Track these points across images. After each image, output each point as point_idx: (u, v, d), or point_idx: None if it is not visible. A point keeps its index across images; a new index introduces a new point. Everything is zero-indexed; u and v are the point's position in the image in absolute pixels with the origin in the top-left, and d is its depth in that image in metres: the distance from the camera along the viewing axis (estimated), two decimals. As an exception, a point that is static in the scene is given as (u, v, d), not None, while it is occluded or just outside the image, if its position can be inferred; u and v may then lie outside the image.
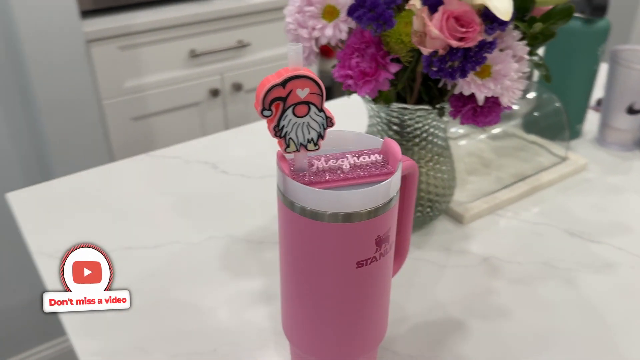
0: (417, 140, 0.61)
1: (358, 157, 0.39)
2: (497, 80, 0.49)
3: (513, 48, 0.50)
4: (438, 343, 0.53)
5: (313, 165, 0.38)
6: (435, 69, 0.47)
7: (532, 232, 0.69)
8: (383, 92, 0.55)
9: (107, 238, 0.66)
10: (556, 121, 0.80)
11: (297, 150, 0.37)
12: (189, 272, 0.61)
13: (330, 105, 0.98)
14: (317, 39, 0.55)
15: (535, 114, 0.82)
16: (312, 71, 0.36)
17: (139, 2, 1.37)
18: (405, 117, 0.59)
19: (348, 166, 0.38)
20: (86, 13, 1.29)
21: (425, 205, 0.64)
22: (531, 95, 0.82)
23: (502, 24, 0.46)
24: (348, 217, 0.36)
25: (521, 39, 0.51)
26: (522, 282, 0.61)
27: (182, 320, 0.55)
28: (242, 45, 1.47)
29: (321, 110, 0.36)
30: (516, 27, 0.50)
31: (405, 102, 0.59)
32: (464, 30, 0.45)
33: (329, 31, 0.54)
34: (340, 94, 0.78)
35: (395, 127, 0.61)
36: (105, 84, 1.33)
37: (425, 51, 0.48)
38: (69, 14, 1.16)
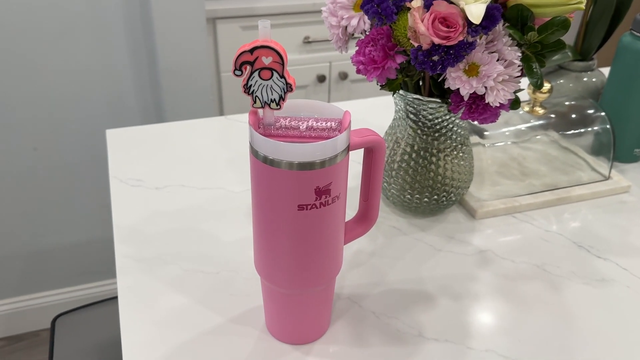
0: (431, 131, 0.67)
1: (317, 122, 0.47)
2: (480, 79, 0.54)
3: (502, 52, 0.54)
4: (402, 308, 0.60)
5: (278, 122, 0.47)
6: (419, 61, 0.53)
7: (540, 238, 0.71)
8: (392, 81, 0.62)
9: (169, 176, 0.80)
10: (605, 140, 0.81)
11: (262, 107, 0.46)
12: (220, 212, 0.73)
13: (376, 100, 1.03)
14: (345, 28, 0.63)
15: (587, 129, 0.83)
16: (279, 43, 0.44)
17: (265, -12, 1.52)
18: (420, 108, 0.65)
19: (305, 127, 0.47)
20: (216, -7, 1.46)
21: (434, 192, 0.70)
22: (588, 111, 0.83)
23: (484, 27, 0.51)
24: (290, 165, 0.44)
25: (519, 46, 0.55)
26: (507, 278, 0.65)
27: (201, 244, 0.67)
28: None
29: (282, 76, 0.45)
30: (510, 35, 0.55)
31: (421, 93, 0.65)
32: (447, 30, 0.51)
33: (354, 21, 0.62)
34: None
35: (412, 117, 0.67)
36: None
37: (415, 45, 0.54)
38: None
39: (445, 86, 0.56)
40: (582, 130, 0.84)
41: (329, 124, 0.47)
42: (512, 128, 0.81)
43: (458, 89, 0.56)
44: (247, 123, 0.99)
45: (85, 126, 1.39)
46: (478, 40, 0.54)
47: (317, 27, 1.53)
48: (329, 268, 0.51)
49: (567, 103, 0.85)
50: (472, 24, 0.51)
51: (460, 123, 0.67)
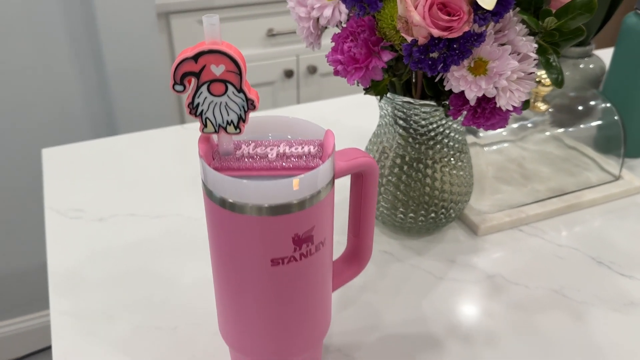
0: (424, 138, 0.56)
1: (290, 147, 0.36)
2: (490, 79, 0.43)
3: (515, 44, 0.43)
4: (405, 358, 0.49)
5: (239, 149, 0.36)
6: (414, 59, 0.42)
7: (553, 255, 0.61)
8: (377, 83, 0.51)
9: (116, 203, 0.67)
10: (613, 135, 0.71)
11: (216, 131, 0.35)
12: (178, 247, 0.61)
13: (357, 97, 0.94)
14: (316, 20, 0.52)
15: (592, 124, 0.74)
16: (233, 46, 0.33)
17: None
18: (411, 112, 0.55)
19: (275, 155, 0.35)
20: (169, -15, 1.33)
21: (431, 210, 0.59)
22: (591, 103, 0.74)
23: (495, 14, 0.40)
24: (258, 210, 0.33)
25: (532, 35, 0.45)
26: (522, 308, 0.54)
27: (155, 291, 0.55)
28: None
29: (240, 90, 0.33)
30: (524, 21, 0.44)
31: (412, 95, 0.54)
32: (448, 18, 0.40)
33: (327, 12, 0.50)
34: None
35: (401, 122, 0.56)
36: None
37: (407, 39, 0.43)
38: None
39: (446, 88, 0.46)
40: (587, 125, 0.75)
41: (306, 148, 0.36)
42: (508, 125, 0.71)
43: (461, 91, 0.45)
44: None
45: (21, 142, 1.24)
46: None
47: (281, 18, 1.41)
48: (314, 331, 0.40)
49: (568, 95, 0.76)
50: (480, 9, 0.41)
51: (458, 127, 0.57)
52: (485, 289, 0.57)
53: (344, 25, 0.50)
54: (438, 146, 0.57)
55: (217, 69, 0.32)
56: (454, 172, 0.58)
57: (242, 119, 0.34)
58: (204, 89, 0.33)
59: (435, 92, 0.52)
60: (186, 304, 0.53)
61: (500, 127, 0.49)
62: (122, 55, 1.21)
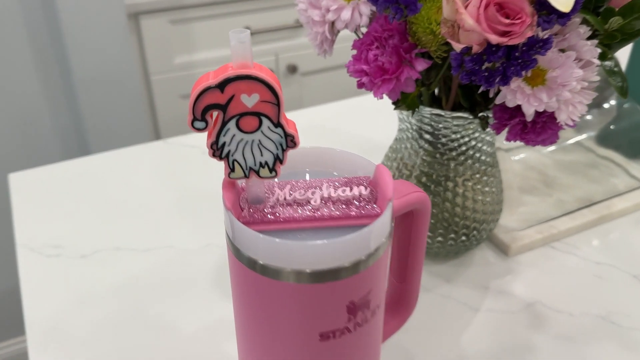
0: (454, 154, 0.50)
1: (336, 189, 0.29)
2: (552, 90, 0.37)
3: (578, 49, 0.37)
4: (450, 413, 0.43)
5: (273, 194, 0.29)
6: (467, 71, 0.36)
7: (592, 275, 0.56)
8: (406, 95, 0.44)
9: (99, 235, 0.59)
10: (638, 135, 0.66)
11: (245, 176, 0.27)
12: (175, 285, 0.53)
13: (361, 100, 0.87)
14: (331, 23, 0.45)
15: (613, 126, 0.68)
16: (265, 68, 0.26)
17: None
18: (440, 126, 0.48)
19: (319, 200, 0.28)
20: (137, -17, 1.24)
21: (461, 232, 0.53)
22: (610, 103, 0.68)
23: (563, 16, 0.34)
24: (302, 277, 0.26)
25: (591, 37, 0.39)
26: (571, 340, 0.49)
27: (150, 341, 0.47)
28: (299, 25, 1.37)
29: (278, 124, 0.26)
30: (584, 22, 0.38)
31: (440, 106, 0.48)
32: (508, 22, 0.34)
33: (346, 14, 0.43)
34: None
35: (427, 137, 0.50)
36: (154, 59, 1.28)
37: (457, 47, 0.36)
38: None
39: (498, 101, 0.39)
40: (610, 127, 0.69)
41: (356, 189, 0.29)
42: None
43: (503, 102, 0.39)
44: (194, 147, 0.80)
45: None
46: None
47: (258, 15, 1.33)
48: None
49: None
50: (545, 9, 0.34)
51: (490, 139, 0.50)
52: (526, 320, 0.51)
53: (364, 30, 0.43)
54: (469, 161, 0.50)
55: (249, 100, 0.25)
56: (486, 188, 0.52)
57: (279, 160, 0.27)
58: (231, 124, 0.26)
59: (471, 102, 0.46)
60: (188, 357, 0.46)
61: (551, 142, 0.43)
62: (90, 61, 1.11)
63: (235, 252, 0.28)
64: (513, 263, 0.57)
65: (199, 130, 0.26)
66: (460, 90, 0.45)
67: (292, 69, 1.41)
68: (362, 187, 0.29)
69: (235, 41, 0.25)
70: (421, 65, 0.41)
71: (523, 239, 0.58)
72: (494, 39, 0.34)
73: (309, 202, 0.28)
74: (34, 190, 0.67)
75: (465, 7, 0.35)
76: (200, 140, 0.77)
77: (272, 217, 0.28)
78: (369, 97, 0.89)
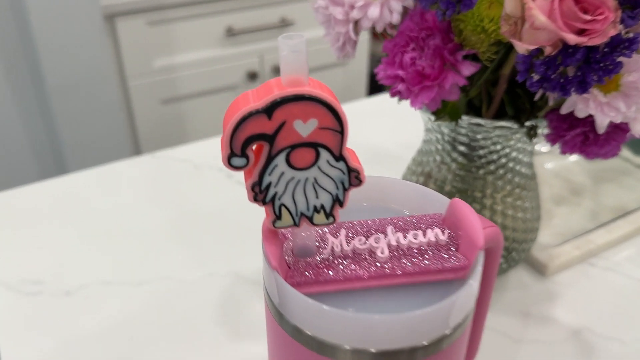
0: (492, 167, 0.44)
1: (405, 233, 0.23)
2: (630, 98, 0.31)
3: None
4: None
5: (326, 245, 0.22)
6: (537, 77, 0.30)
7: (638, 294, 0.50)
8: (448, 103, 0.38)
9: (84, 268, 0.52)
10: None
11: (295, 224, 0.21)
12: (175, 324, 0.47)
13: (364, 104, 0.81)
14: (356, 22, 0.39)
15: None
16: (324, 85, 0.19)
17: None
18: (478, 137, 0.42)
19: (387, 250, 0.22)
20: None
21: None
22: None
23: (653, 8, 0.28)
24: (365, 357, 0.20)
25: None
26: (629, 374, 0.43)
27: (153, 403, 0.40)
28: (285, 24, 1.31)
29: (340, 157, 0.20)
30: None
31: (479, 114, 0.42)
32: (589, 18, 0.28)
33: (374, 11, 0.37)
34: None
35: (462, 149, 0.44)
36: (131, 63, 1.20)
37: (522, 48, 0.30)
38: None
39: (564, 110, 0.33)
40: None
41: (430, 233, 0.23)
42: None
43: (570, 112, 0.33)
44: (186, 161, 0.72)
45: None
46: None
47: (241, 14, 1.26)
48: None
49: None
50: (628, 5, 0.28)
51: (529, 149, 0.45)
52: (575, 350, 0.45)
53: (396, 29, 0.37)
54: (509, 175, 0.45)
55: (305, 127, 0.19)
56: (526, 204, 0.47)
57: (338, 202, 0.21)
58: (280, 159, 0.19)
59: (516, 110, 0.40)
60: (204, 417, 0.39)
61: (613, 155, 0.37)
62: (64, 67, 1.03)
63: (279, 318, 0.22)
64: (551, 284, 0.51)
65: (237, 168, 0.19)
66: (506, 96, 0.39)
67: (279, 71, 1.34)
68: (437, 231, 0.23)
69: (287, 50, 0.18)
70: (469, 68, 0.35)
71: (560, 256, 0.53)
72: (572, 38, 0.28)
73: (374, 253, 0.22)
74: (7, 216, 0.59)
75: (534, 1, 0.29)
76: (192, 153, 0.70)
77: (330, 273, 0.21)
78: (369, 100, 0.83)
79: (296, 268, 0.22)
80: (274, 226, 0.21)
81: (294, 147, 0.19)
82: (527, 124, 0.40)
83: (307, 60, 0.19)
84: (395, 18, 0.37)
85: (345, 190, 0.20)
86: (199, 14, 1.23)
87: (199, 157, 0.68)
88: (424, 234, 0.22)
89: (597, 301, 0.50)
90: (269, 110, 0.18)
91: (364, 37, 1.45)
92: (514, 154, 0.44)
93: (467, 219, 0.22)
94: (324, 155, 0.20)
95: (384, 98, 0.82)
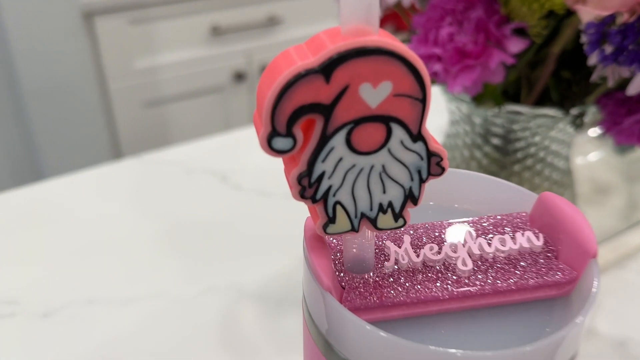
0: (529, 162, 0.39)
1: (489, 238, 0.17)
2: None
3: None
4: None
5: (387, 257, 0.17)
6: (610, 48, 0.25)
7: (685, 300, 0.46)
8: (489, 87, 0.33)
9: (63, 284, 0.46)
10: None
11: (354, 229, 0.15)
12: (169, 349, 0.41)
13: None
14: (380, -4, 0.33)
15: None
16: (397, 39, 0.14)
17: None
18: (515, 127, 0.37)
19: (469, 262, 0.16)
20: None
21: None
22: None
23: None
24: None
25: None
26: (687, 392, 0.38)
27: None
28: (273, 23, 1.25)
29: (418, 137, 0.14)
30: None
31: (514, 100, 0.37)
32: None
33: (401, -18, 0.32)
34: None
35: (495, 141, 0.39)
36: (111, 64, 1.13)
37: (591, 14, 0.25)
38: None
39: (631, 91, 0.28)
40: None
41: (521, 237, 0.17)
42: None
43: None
44: (177, 164, 0.66)
45: None
46: None
47: (227, 12, 1.20)
48: None
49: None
50: None
51: (567, 139, 0.40)
52: (624, 365, 0.40)
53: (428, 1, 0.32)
54: (547, 171, 0.40)
55: (375, 93, 0.13)
56: (563, 204, 0.42)
57: (412, 199, 0.15)
58: (338, 140, 0.14)
59: (561, 96, 0.35)
60: None
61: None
62: (39, 68, 0.97)
63: (325, 349, 0.16)
64: (587, 291, 0.46)
65: (281, 153, 0.14)
66: (553, 79, 0.34)
67: (266, 71, 1.29)
68: (529, 234, 0.17)
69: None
70: (516, 45, 0.30)
71: (594, 260, 0.48)
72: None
73: (452, 266, 0.17)
74: (-24, 229, 0.53)
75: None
76: (182, 155, 0.64)
77: (396, 296, 0.16)
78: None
79: (353, 288, 0.16)
80: (325, 232, 0.15)
81: (358, 122, 0.14)
82: (574, 111, 0.35)
83: (377, 3, 0.13)
84: (427, -11, 0.32)
85: (422, 181, 0.15)
86: (182, 12, 1.17)
87: (189, 160, 0.63)
88: (513, 239, 0.17)
89: (633, 312, 0.45)
90: (328, 69, 0.13)
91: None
92: (553, 147, 0.39)
93: (570, 218, 0.17)
94: (398, 133, 0.14)
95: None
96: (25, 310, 0.44)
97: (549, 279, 0.16)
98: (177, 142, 1.05)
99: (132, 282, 0.47)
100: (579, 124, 0.35)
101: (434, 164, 0.15)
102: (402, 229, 0.18)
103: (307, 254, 0.16)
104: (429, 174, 0.15)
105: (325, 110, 0.14)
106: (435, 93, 0.42)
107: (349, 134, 0.14)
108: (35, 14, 0.96)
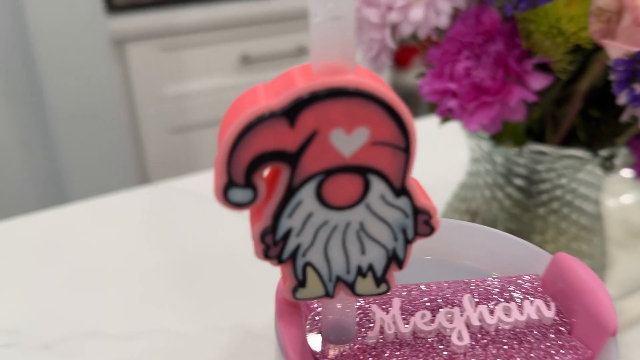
0: (555, 205, 0.36)
1: (492, 307, 0.15)
2: None
3: None
4: None
5: (371, 324, 0.15)
6: (642, 87, 0.22)
7: None
8: (510, 125, 0.31)
9: (66, 316, 0.45)
10: None
11: (328, 295, 0.13)
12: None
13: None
14: (394, 27, 0.32)
15: None
16: (377, 76, 0.12)
17: (185, -4, 1.18)
18: (540, 168, 0.35)
19: (467, 336, 0.14)
20: (122, 8, 1.11)
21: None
22: None
23: None
24: None
25: None
26: None
27: None
28: (301, 52, 1.25)
29: (402, 191, 0.12)
30: None
31: (539, 140, 0.35)
32: None
33: (416, 14, 0.30)
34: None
35: (518, 182, 0.36)
36: (141, 90, 1.14)
37: (620, 50, 0.23)
38: (89, 8, 0.98)
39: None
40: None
41: (529, 307, 0.15)
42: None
43: None
44: (189, 193, 0.65)
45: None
46: None
47: (257, 41, 1.21)
48: None
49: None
50: None
51: (597, 182, 0.37)
52: None
53: (445, 35, 0.30)
54: (574, 215, 0.37)
55: (348, 141, 0.11)
56: (593, 250, 0.39)
57: (396, 261, 0.13)
58: (306, 192, 0.12)
59: (590, 136, 0.33)
60: None
61: None
62: (67, 93, 0.98)
63: None
64: (621, 346, 0.43)
65: (239, 206, 0.12)
66: (579, 118, 0.32)
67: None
68: (539, 303, 0.15)
69: (321, 16, 0.11)
70: (539, 81, 0.28)
71: (625, 312, 0.44)
72: (698, 34, 0.21)
73: (446, 339, 0.14)
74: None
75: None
76: (198, 184, 0.62)
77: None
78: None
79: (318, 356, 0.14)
80: (294, 297, 0.13)
81: (329, 172, 0.12)
82: (603, 153, 0.32)
83: (353, 37, 0.12)
84: (443, 21, 0.30)
85: (407, 242, 0.13)
86: (213, 40, 1.18)
87: (205, 189, 0.61)
88: (520, 309, 0.15)
89: (676, 369, 0.41)
90: (292, 112, 0.11)
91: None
92: (582, 189, 0.36)
93: (586, 285, 0.15)
94: (377, 186, 0.12)
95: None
96: (26, 340, 0.43)
97: (559, 359, 0.14)
98: (203, 168, 1.05)
99: (135, 315, 0.45)
100: (608, 166, 0.33)
101: (421, 222, 0.13)
102: (392, 291, 0.16)
103: (276, 321, 0.14)
104: (416, 233, 0.13)
105: (291, 158, 0.12)
106: (455, 128, 0.40)
107: (319, 186, 0.12)
108: (66, 39, 0.97)
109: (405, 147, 0.12)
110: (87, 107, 1.03)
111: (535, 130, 0.35)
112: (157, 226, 0.56)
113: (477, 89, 0.28)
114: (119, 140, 1.11)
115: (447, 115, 0.29)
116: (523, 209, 0.37)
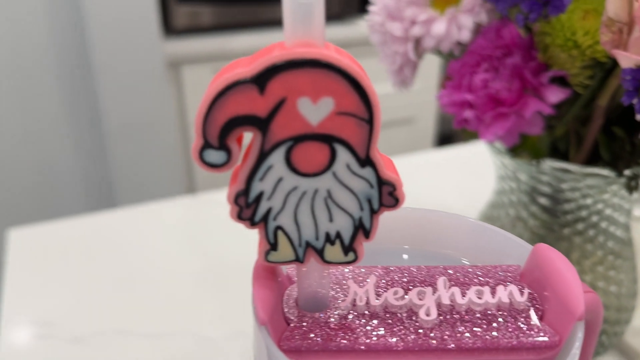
0: (580, 226, 0.36)
1: (464, 289, 0.15)
2: None
3: None
4: None
5: (346, 295, 0.15)
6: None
7: None
8: (529, 139, 0.31)
9: (99, 314, 0.47)
10: None
11: (298, 260, 0.14)
12: (189, 391, 0.40)
13: (429, 156, 0.74)
14: (418, 40, 0.33)
15: None
16: (346, 52, 0.13)
17: (239, 23, 1.23)
18: (564, 186, 0.34)
19: (434, 312, 0.15)
20: (179, 32, 1.17)
21: (582, 334, 0.38)
22: None
23: None
24: None
25: None
26: None
27: None
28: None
29: (367, 161, 0.13)
30: None
31: (565, 158, 0.34)
32: None
33: (439, 27, 0.31)
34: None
35: (542, 201, 0.36)
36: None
37: (630, 60, 0.23)
38: (148, 31, 1.03)
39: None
40: None
41: (501, 291, 0.15)
42: None
43: None
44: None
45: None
46: None
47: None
48: None
49: None
50: None
51: (626, 206, 0.36)
52: None
53: (466, 48, 0.31)
54: (601, 238, 0.36)
55: (314, 109, 0.12)
56: (621, 275, 0.38)
57: (363, 230, 0.14)
58: (277, 157, 0.13)
59: (613, 155, 0.32)
60: None
61: None
62: (123, 110, 1.03)
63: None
64: (651, 380, 0.41)
65: (213, 167, 0.13)
66: (602, 135, 0.31)
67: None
68: (513, 288, 0.15)
69: (291, 2, 0.12)
70: (555, 94, 0.28)
71: (661, 345, 0.43)
72: None
73: (416, 315, 0.15)
74: (33, 251, 0.55)
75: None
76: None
77: (345, 341, 0.14)
78: (434, 153, 0.77)
79: (298, 326, 0.15)
80: (266, 260, 0.14)
81: (297, 139, 0.13)
82: (627, 172, 0.32)
83: (322, 20, 0.13)
84: (465, 35, 0.31)
85: (373, 212, 0.14)
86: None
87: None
88: (493, 292, 0.15)
89: None
90: (261, 79, 0.12)
91: (431, 94, 1.40)
92: (607, 212, 0.35)
93: (559, 273, 0.15)
94: (343, 155, 0.13)
95: (450, 151, 0.75)
96: (60, 332, 0.45)
97: (526, 340, 0.14)
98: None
99: (164, 316, 0.46)
100: (633, 187, 0.32)
101: (385, 193, 0.13)
102: (371, 269, 0.16)
103: (252, 284, 0.15)
104: (381, 205, 0.14)
105: (262, 124, 0.13)
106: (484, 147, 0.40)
107: (288, 152, 0.13)
108: (125, 59, 1.02)
109: (368, 119, 0.13)
110: (141, 123, 1.08)
111: (562, 148, 0.35)
112: (195, 234, 0.58)
113: (493, 100, 0.28)
114: (169, 157, 1.15)
115: (465, 128, 0.30)
116: (547, 229, 0.37)
